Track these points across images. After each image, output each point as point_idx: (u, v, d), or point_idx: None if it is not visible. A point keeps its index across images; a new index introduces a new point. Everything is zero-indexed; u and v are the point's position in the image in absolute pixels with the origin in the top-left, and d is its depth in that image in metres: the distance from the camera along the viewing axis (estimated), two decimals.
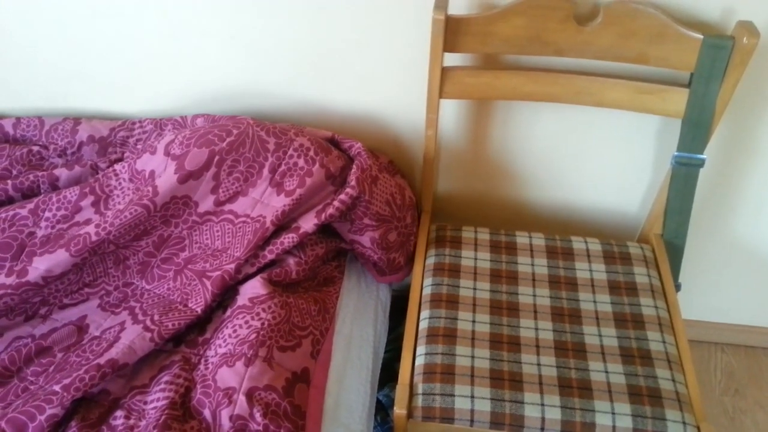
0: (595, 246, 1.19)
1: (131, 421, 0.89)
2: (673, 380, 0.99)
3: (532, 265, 1.16)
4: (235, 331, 0.97)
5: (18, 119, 1.28)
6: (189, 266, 1.08)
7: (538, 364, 1.01)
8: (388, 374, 1.26)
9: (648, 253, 1.19)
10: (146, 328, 0.98)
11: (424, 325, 1.07)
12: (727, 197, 1.25)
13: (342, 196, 1.06)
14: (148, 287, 1.08)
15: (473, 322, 1.07)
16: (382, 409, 1.25)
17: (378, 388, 1.09)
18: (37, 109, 1.35)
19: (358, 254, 1.17)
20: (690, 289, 1.44)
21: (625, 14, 0.97)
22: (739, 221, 1.29)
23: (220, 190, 1.08)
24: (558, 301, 1.10)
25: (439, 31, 1.00)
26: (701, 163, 1.08)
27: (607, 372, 1.00)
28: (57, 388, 0.88)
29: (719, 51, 0.96)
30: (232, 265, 1.03)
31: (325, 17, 1.11)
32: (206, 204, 1.09)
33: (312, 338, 1.00)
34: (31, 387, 0.93)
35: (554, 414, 0.95)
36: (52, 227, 1.09)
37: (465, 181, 1.33)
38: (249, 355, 0.92)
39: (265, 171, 1.09)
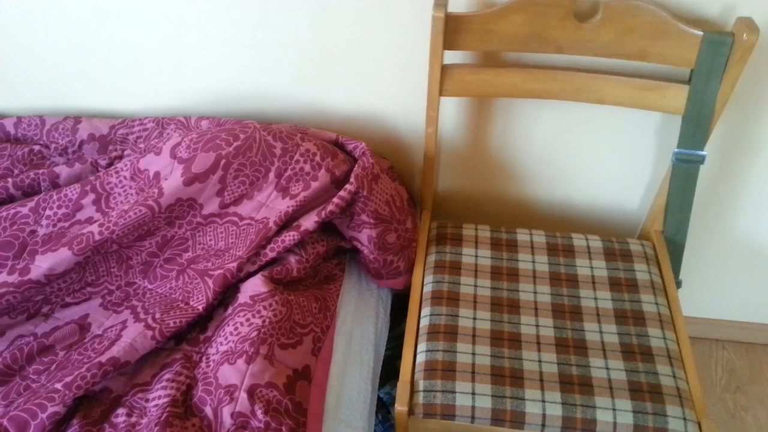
0: (595, 243, 1.19)
1: (133, 419, 0.89)
2: (674, 376, 1.00)
3: (533, 262, 1.16)
4: (236, 328, 0.97)
5: (19, 118, 1.29)
6: (192, 266, 1.08)
7: (539, 361, 1.01)
8: (389, 372, 1.26)
9: (649, 249, 1.19)
10: (148, 326, 0.98)
11: (425, 322, 1.07)
12: (727, 194, 1.25)
13: (341, 193, 1.07)
14: (150, 287, 1.08)
15: (474, 319, 1.07)
16: (384, 407, 1.25)
17: (379, 386, 1.09)
18: (39, 109, 1.35)
19: (359, 256, 1.17)
20: (691, 286, 1.45)
21: (624, 11, 0.97)
22: (739, 218, 1.29)
23: (226, 193, 1.08)
24: (559, 298, 1.11)
25: (439, 29, 1.00)
26: (701, 160, 1.08)
27: (608, 368, 1.00)
28: (59, 386, 0.88)
29: (719, 47, 0.96)
30: (234, 264, 1.04)
31: (325, 16, 1.11)
32: (211, 206, 1.09)
33: (313, 336, 1.00)
34: (33, 385, 0.93)
35: (555, 410, 0.96)
36: (54, 225, 1.09)
37: (465, 178, 1.33)
38: (250, 353, 0.92)
39: (271, 175, 1.09)
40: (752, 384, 1.49)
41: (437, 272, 1.14)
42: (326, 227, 1.15)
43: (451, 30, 1.01)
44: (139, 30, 1.19)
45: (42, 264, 1.00)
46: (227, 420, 0.87)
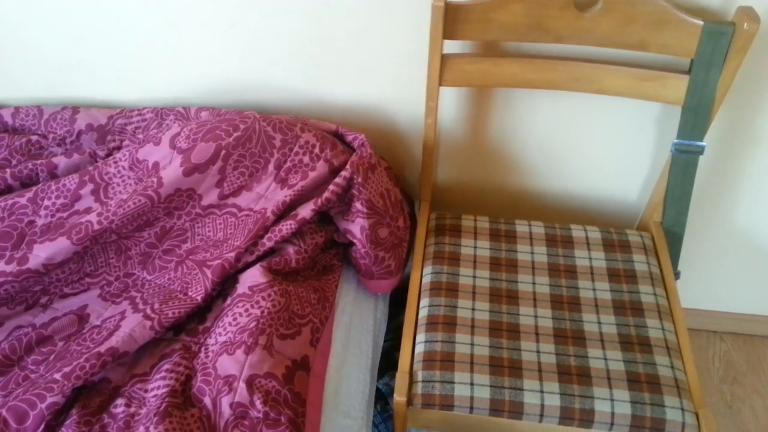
0: (594, 234, 1.19)
1: (132, 409, 0.89)
2: (672, 367, 1.00)
3: (532, 253, 1.16)
4: (235, 319, 0.97)
5: (17, 108, 1.28)
6: (190, 257, 1.08)
7: (538, 352, 1.01)
8: (387, 363, 1.26)
9: (647, 241, 1.19)
10: (146, 317, 0.98)
11: (423, 313, 1.07)
12: (726, 185, 1.25)
13: (337, 180, 1.07)
14: (149, 278, 1.08)
15: (473, 310, 1.07)
16: (382, 398, 1.26)
17: (378, 377, 1.09)
18: (37, 99, 1.35)
19: (351, 257, 1.15)
20: (689, 277, 1.45)
21: (624, 0, 0.97)
22: (738, 209, 1.29)
23: (225, 184, 1.08)
24: (557, 289, 1.11)
25: (438, 18, 1.00)
26: (701, 151, 1.08)
27: (606, 359, 1.01)
28: (58, 376, 0.88)
29: (719, 37, 0.96)
30: (232, 254, 1.04)
31: (324, 6, 1.11)
32: (210, 197, 1.09)
33: (311, 326, 1.00)
34: (32, 375, 0.93)
35: (553, 401, 0.96)
36: (52, 216, 1.08)
37: (465, 169, 1.33)
38: (249, 343, 0.92)
39: (271, 167, 1.09)
40: (750, 375, 1.49)
41: (436, 263, 1.14)
42: (324, 218, 1.15)
43: (451, 19, 1.01)
44: (137, 20, 1.18)
45: (40, 253, 0.99)
46: (226, 410, 0.87)
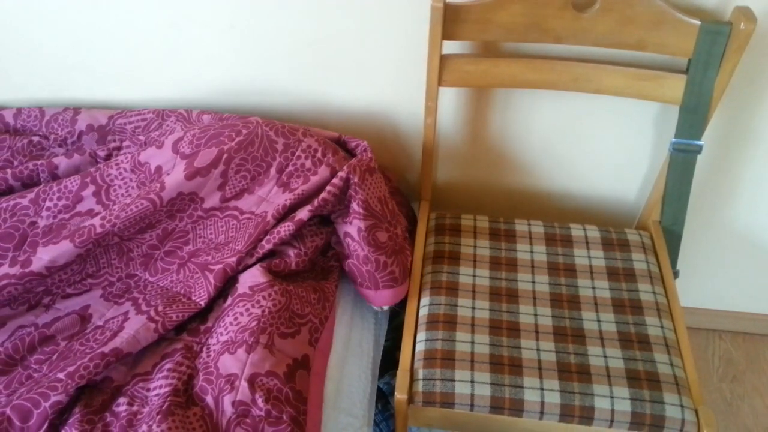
0: (593, 233, 1.20)
1: (134, 408, 0.89)
2: (671, 364, 1.00)
3: (531, 252, 1.17)
4: (236, 318, 0.98)
5: (19, 110, 1.29)
6: (192, 259, 1.09)
7: (538, 350, 1.02)
8: (388, 363, 1.27)
9: (646, 239, 1.19)
10: (151, 319, 0.98)
11: (424, 311, 1.08)
12: (725, 184, 1.26)
13: (334, 180, 1.07)
14: (151, 279, 1.09)
15: (473, 308, 1.08)
16: (383, 397, 1.26)
17: (378, 376, 1.10)
18: (38, 101, 1.35)
19: (350, 271, 1.11)
20: (688, 276, 1.45)
21: (622, 1, 0.97)
22: (737, 208, 1.30)
23: (227, 188, 1.09)
24: (557, 288, 1.11)
25: (437, 19, 1.00)
26: (699, 150, 1.09)
27: (605, 357, 1.01)
28: (61, 375, 0.89)
29: (717, 37, 0.97)
30: (234, 258, 1.04)
31: (323, 7, 1.11)
32: (212, 200, 1.09)
33: (310, 326, 1.01)
34: (35, 375, 0.93)
35: (553, 398, 0.96)
36: (54, 217, 1.09)
37: (464, 169, 1.34)
38: (250, 342, 0.93)
39: (273, 171, 1.09)
40: (749, 374, 1.50)
41: (436, 262, 1.15)
42: (325, 221, 1.15)
43: (450, 20, 1.02)
44: (138, 22, 1.19)
45: (44, 256, 1.00)
46: (228, 408, 0.87)
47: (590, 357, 1.01)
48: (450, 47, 1.11)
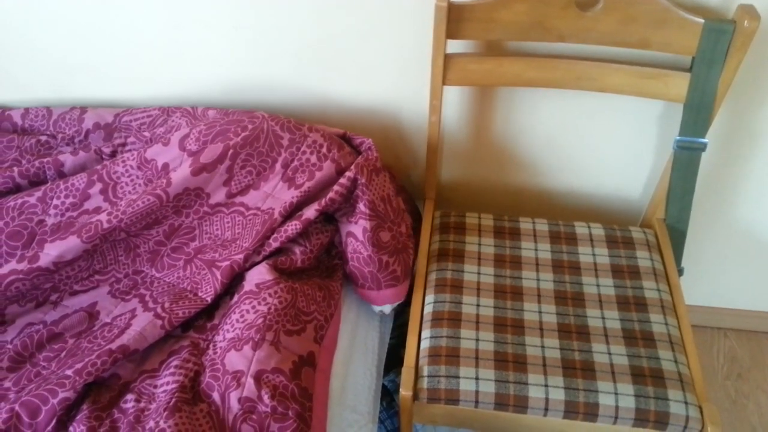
0: (598, 231, 1.20)
1: (141, 404, 0.90)
2: (676, 361, 1.01)
3: (536, 250, 1.17)
4: (242, 316, 0.98)
5: (26, 110, 1.30)
6: (199, 256, 1.09)
7: (542, 347, 1.02)
8: (393, 360, 1.27)
9: (651, 237, 1.20)
10: (157, 316, 0.99)
11: (429, 309, 1.08)
12: (729, 181, 1.26)
13: (341, 180, 1.07)
14: (158, 275, 1.09)
15: (477, 306, 1.08)
16: (388, 394, 1.27)
17: (383, 374, 1.10)
18: (44, 101, 1.36)
19: (351, 272, 1.10)
20: (692, 274, 1.45)
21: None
22: (741, 205, 1.30)
23: (233, 183, 1.09)
24: (561, 285, 1.12)
25: (441, 18, 1.01)
26: (703, 147, 1.09)
27: (610, 353, 1.02)
28: (70, 372, 0.90)
29: (720, 35, 0.97)
30: (241, 256, 1.05)
31: (327, 6, 1.12)
32: (218, 196, 1.10)
33: (315, 324, 1.01)
34: (44, 372, 0.94)
35: (558, 395, 0.97)
36: (62, 215, 1.10)
37: (469, 167, 1.34)
38: (256, 339, 0.94)
39: (278, 166, 1.10)
40: (754, 371, 1.50)
41: (441, 260, 1.15)
42: (330, 219, 1.15)
43: (454, 19, 1.02)
44: (142, 22, 1.20)
45: (51, 251, 1.01)
46: (235, 405, 0.88)
47: (594, 354, 1.02)
48: (454, 46, 1.11)
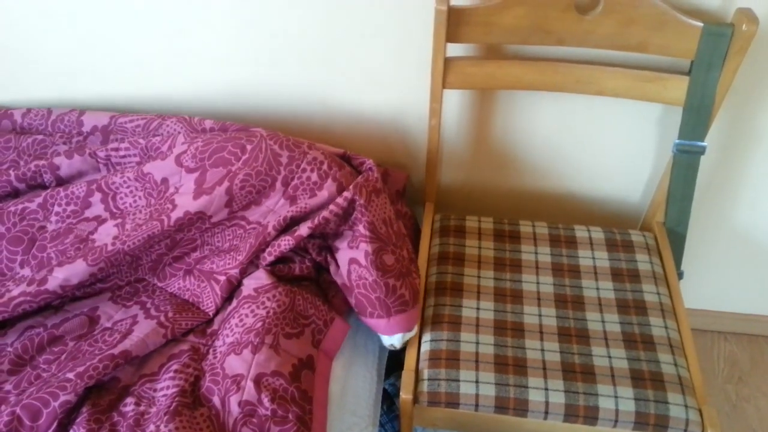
0: (597, 234, 1.20)
1: (141, 408, 0.90)
2: (676, 365, 1.01)
3: (536, 253, 1.17)
4: (241, 320, 0.99)
5: (28, 110, 1.29)
6: (197, 266, 1.09)
7: (542, 350, 1.02)
8: (393, 364, 1.27)
9: (650, 240, 1.20)
10: (161, 324, 1.00)
11: (429, 312, 1.08)
12: (728, 184, 1.26)
13: (338, 200, 1.04)
14: (159, 284, 1.10)
15: (477, 309, 1.08)
16: (388, 398, 1.27)
17: (384, 378, 1.10)
18: (45, 103, 1.37)
19: (356, 303, 1.05)
20: (692, 277, 1.45)
21: (625, 3, 0.98)
22: (741, 209, 1.30)
23: (234, 204, 1.08)
24: (561, 288, 1.12)
25: (441, 22, 1.01)
26: (702, 151, 1.09)
27: (609, 357, 1.02)
28: (71, 375, 0.90)
29: (719, 38, 0.97)
30: (236, 270, 1.05)
31: (328, 10, 1.12)
32: (220, 215, 1.09)
33: (313, 327, 1.01)
34: (44, 375, 0.94)
35: (558, 398, 0.97)
36: (62, 222, 1.10)
37: (469, 170, 1.34)
38: (256, 343, 0.94)
39: (278, 184, 1.08)
40: (754, 375, 1.50)
41: (441, 263, 1.15)
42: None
43: (454, 23, 1.02)
44: (144, 24, 1.20)
45: (59, 275, 1.01)
46: (235, 409, 0.88)
47: (594, 357, 1.02)
48: (454, 50, 1.11)
